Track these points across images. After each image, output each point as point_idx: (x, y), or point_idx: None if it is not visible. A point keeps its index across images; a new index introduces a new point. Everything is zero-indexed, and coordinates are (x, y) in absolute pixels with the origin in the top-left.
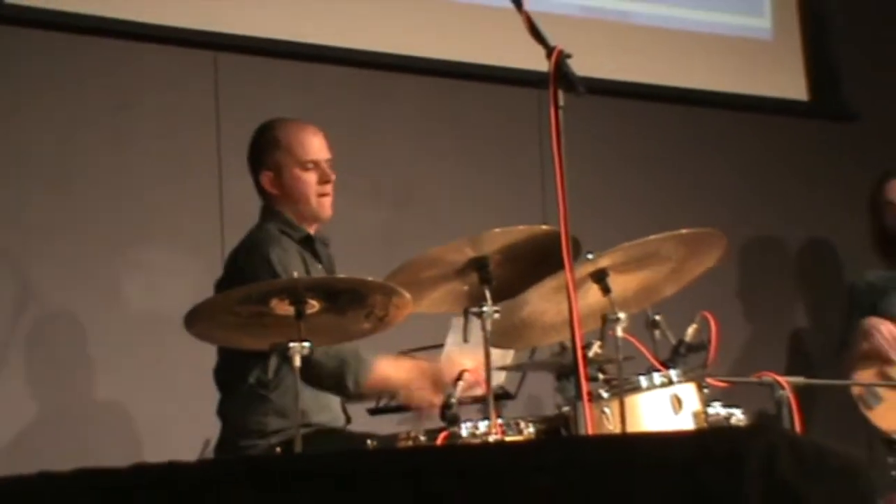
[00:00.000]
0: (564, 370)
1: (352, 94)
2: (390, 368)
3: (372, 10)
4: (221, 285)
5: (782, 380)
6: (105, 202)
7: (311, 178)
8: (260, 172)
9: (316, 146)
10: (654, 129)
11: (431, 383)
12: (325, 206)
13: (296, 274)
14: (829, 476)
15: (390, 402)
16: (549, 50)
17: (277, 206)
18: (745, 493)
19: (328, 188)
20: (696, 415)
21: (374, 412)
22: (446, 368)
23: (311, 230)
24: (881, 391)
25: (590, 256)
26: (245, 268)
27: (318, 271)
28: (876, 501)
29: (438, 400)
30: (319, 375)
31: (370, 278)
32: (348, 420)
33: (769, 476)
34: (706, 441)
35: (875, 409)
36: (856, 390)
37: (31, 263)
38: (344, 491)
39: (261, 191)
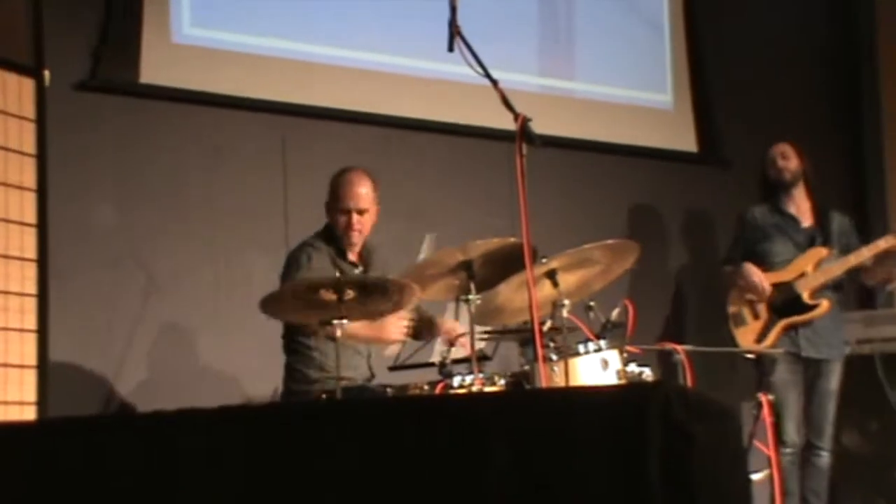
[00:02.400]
0: (526, 340)
1: (377, 145)
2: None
3: (393, 86)
4: (282, 276)
5: (678, 347)
6: (205, 222)
7: (343, 219)
8: (327, 202)
9: (351, 199)
10: (591, 171)
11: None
12: (350, 239)
13: (337, 273)
14: (708, 417)
15: (406, 361)
16: (516, 115)
17: (331, 225)
18: (648, 429)
19: (354, 230)
20: (618, 372)
21: (392, 369)
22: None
23: (349, 250)
24: (747, 317)
25: (544, 260)
26: (288, 261)
27: (347, 268)
28: (742, 434)
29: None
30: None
31: (390, 275)
32: (373, 375)
33: (665, 417)
34: (623, 392)
35: (739, 329)
36: (730, 310)
37: (155, 263)
38: (370, 425)
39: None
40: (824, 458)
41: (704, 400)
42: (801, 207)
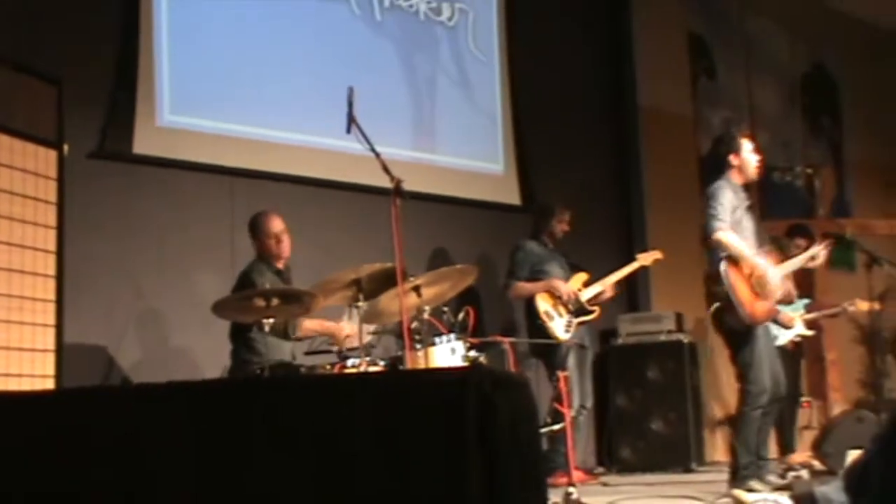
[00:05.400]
0: (399, 334)
1: (298, 198)
2: (313, 324)
3: (308, 156)
4: (235, 288)
5: (504, 339)
6: (176, 251)
7: (273, 242)
8: (253, 237)
9: (275, 226)
10: (446, 218)
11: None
12: (283, 250)
13: (267, 285)
14: (509, 388)
15: (318, 348)
16: (392, 177)
17: (261, 253)
18: (466, 399)
19: (283, 244)
20: (463, 357)
21: (307, 353)
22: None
23: (280, 266)
24: (555, 315)
25: (411, 278)
26: (244, 279)
27: (280, 281)
28: (535, 401)
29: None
30: (281, 329)
31: (303, 289)
32: (294, 358)
33: (478, 389)
34: (450, 373)
35: (551, 323)
36: (541, 310)
37: (141, 279)
38: (288, 391)
39: (254, 244)
40: (585, 414)
41: (507, 375)
42: (551, 243)
